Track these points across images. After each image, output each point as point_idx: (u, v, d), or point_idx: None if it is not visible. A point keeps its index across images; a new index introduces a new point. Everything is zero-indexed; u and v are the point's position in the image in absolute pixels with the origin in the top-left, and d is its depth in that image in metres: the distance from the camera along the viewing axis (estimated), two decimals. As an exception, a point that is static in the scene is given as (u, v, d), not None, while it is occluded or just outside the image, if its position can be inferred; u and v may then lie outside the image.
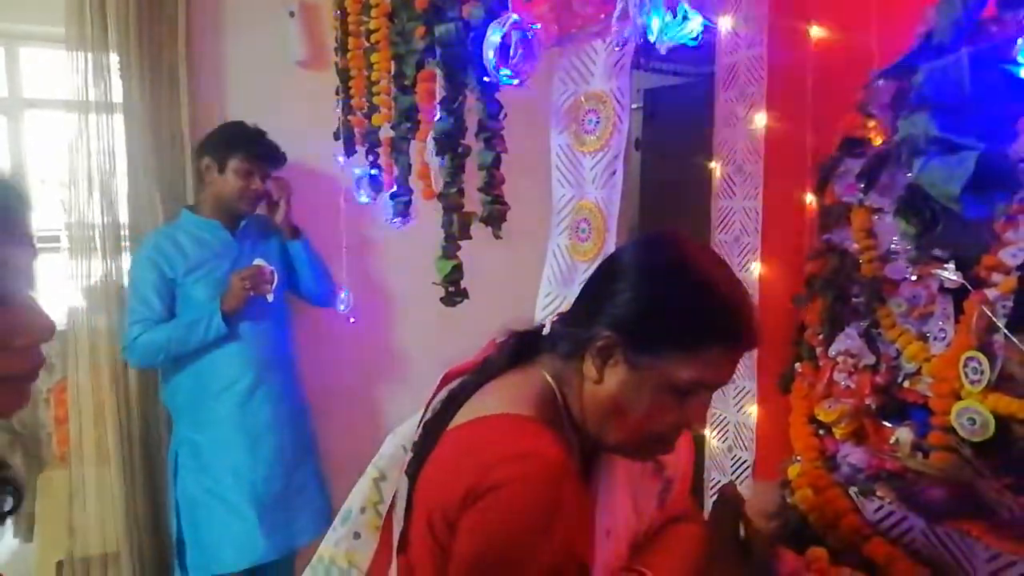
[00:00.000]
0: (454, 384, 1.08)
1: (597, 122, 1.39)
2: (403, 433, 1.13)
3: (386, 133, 1.92)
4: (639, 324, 0.92)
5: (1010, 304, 1.30)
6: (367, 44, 1.95)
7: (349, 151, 2.31)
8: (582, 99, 1.40)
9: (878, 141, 1.59)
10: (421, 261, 2.50)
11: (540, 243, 1.61)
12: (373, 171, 2.09)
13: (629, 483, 1.08)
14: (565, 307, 1.51)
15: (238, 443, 2.28)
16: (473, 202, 1.46)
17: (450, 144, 1.38)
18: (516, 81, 1.10)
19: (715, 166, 2.06)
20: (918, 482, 1.31)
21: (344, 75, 2.24)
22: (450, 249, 1.43)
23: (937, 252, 1.39)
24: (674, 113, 2.99)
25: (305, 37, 2.63)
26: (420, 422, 1.07)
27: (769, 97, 1.90)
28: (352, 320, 2.63)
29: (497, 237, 1.43)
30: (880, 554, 1.29)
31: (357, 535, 1.10)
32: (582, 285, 1.06)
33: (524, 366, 1.04)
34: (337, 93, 2.33)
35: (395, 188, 1.83)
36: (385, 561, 1.05)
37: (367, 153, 2.10)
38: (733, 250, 1.94)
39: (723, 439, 2.02)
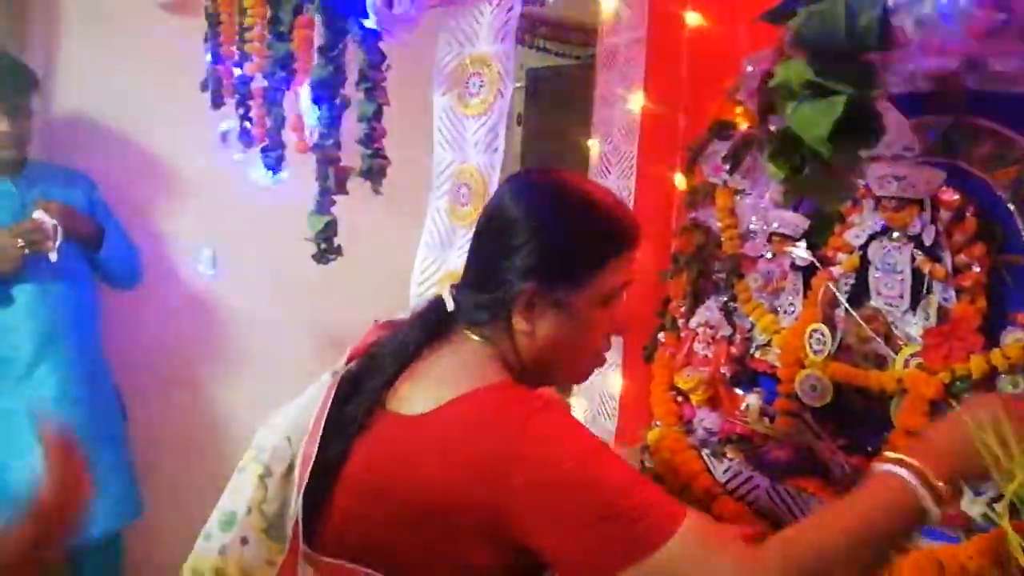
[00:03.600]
0: (357, 367, 1.04)
1: (481, 85, 1.38)
2: (283, 422, 1.04)
3: (258, 84, 1.82)
4: (551, 265, 0.95)
5: (851, 281, 1.42)
6: (240, -13, 1.84)
7: (217, 102, 2.18)
8: (467, 61, 1.39)
9: (745, 126, 1.68)
10: (292, 223, 2.44)
11: (418, 207, 1.59)
12: (244, 124, 1.98)
13: None
14: (444, 271, 1.50)
15: (16, 423, 2.00)
16: (350, 158, 1.41)
17: (328, 94, 1.33)
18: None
19: (593, 145, 2.11)
20: (764, 444, 1.41)
21: (213, 19, 2.10)
22: (324, 204, 1.38)
23: (792, 219, 1.49)
24: (555, 92, 3.03)
25: (170, -24, 2.44)
26: (322, 407, 1.00)
27: (646, 80, 1.97)
28: (213, 277, 2.45)
29: (377, 192, 1.39)
30: (728, 511, 1.38)
31: (245, 540, 1.00)
32: (469, 250, 1.04)
33: (446, 343, 1.01)
34: (205, 39, 2.18)
35: (266, 141, 1.75)
36: (292, 572, 0.98)
37: (237, 105, 1.98)
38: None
39: (588, 409, 2.08)
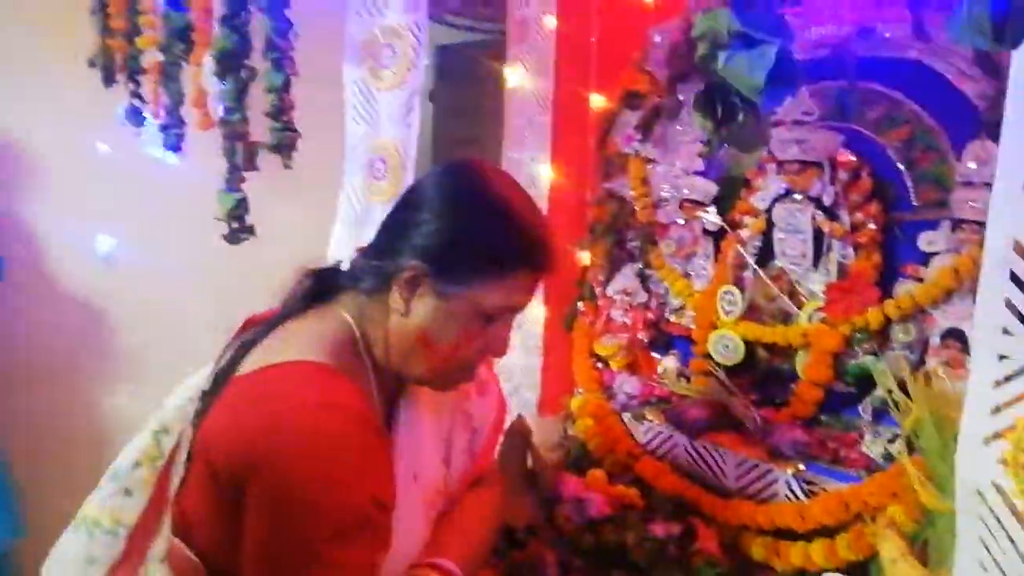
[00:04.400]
0: (248, 332, 1.01)
1: (393, 56, 1.35)
2: (194, 385, 1.03)
3: (152, 58, 1.73)
4: (446, 253, 0.92)
5: (758, 243, 1.48)
6: (129, -45, 1.73)
7: (109, 80, 2.06)
8: (377, 32, 1.36)
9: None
10: (193, 206, 2.32)
11: (331, 185, 1.55)
12: (135, 101, 1.87)
13: (436, 433, 1.08)
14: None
15: None
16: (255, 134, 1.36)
17: (233, 65, 1.27)
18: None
19: (507, 120, 2.11)
20: (681, 404, 1.46)
21: (101, -10, 1.97)
22: (233, 181, 1.33)
23: (702, 185, 1.54)
24: (467, 68, 3.00)
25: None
26: (212, 371, 0.99)
27: (558, 52, 1.98)
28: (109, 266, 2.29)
29: (287, 167, 1.35)
30: (648, 471, 1.42)
31: (128, 492, 0.98)
32: (384, 217, 1.03)
33: (322, 307, 0.99)
34: (93, 12, 2.05)
35: (164, 119, 1.66)
36: (154, 516, 0.95)
37: (128, 81, 1.87)
38: (522, 201, 2.01)
39: (509, 380, 2.10)
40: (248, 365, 0.93)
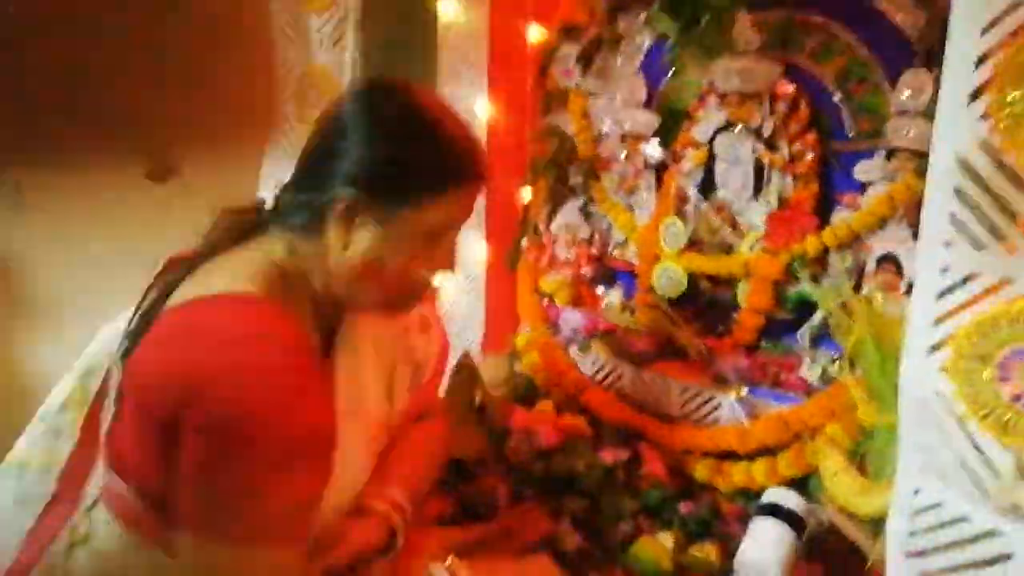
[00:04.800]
0: (170, 271, 0.96)
1: (323, -22, 1.28)
2: (117, 329, 0.98)
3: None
4: (381, 178, 0.87)
5: (700, 176, 1.49)
6: None
7: None
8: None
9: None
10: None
11: (263, 116, 1.47)
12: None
13: (378, 368, 1.05)
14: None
15: None
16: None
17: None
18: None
19: (440, 54, 2.04)
20: (627, 336, 1.48)
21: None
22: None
23: (644, 118, 1.53)
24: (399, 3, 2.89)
25: None
26: (136, 310, 0.94)
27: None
28: None
29: None
30: (595, 401, 1.45)
31: (57, 433, 0.97)
32: (303, 148, 0.97)
33: (248, 243, 0.94)
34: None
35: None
36: (87, 456, 0.92)
37: None
38: (460, 137, 1.96)
39: (452, 321, 2.09)
40: (174, 300, 0.89)
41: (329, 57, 1.27)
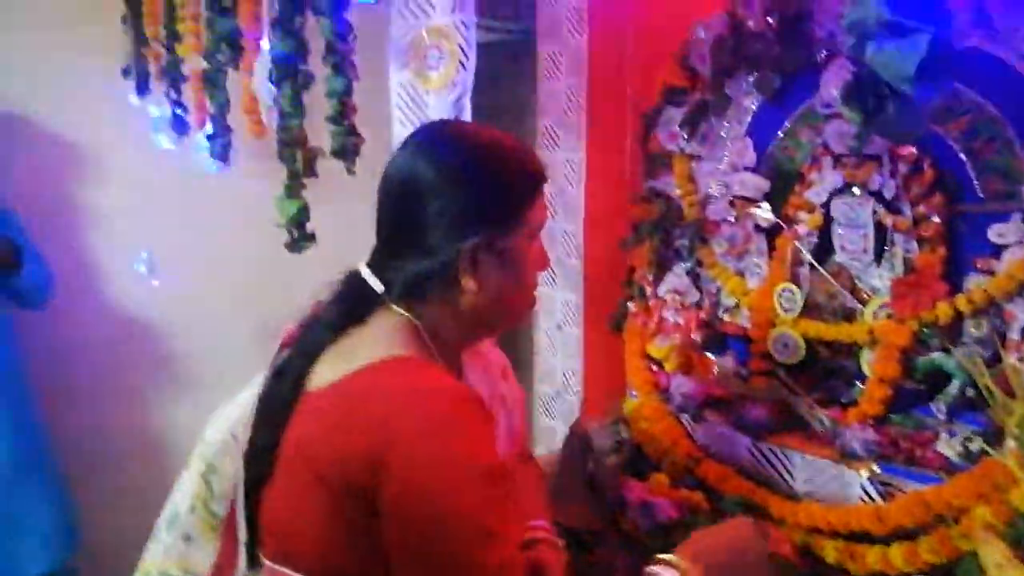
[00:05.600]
0: (288, 354, 0.98)
1: (440, 58, 1.33)
2: (228, 416, 1.02)
3: (192, 65, 1.70)
4: (485, 216, 0.91)
5: (815, 239, 1.45)
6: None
7: (143, 90, 2.04)
8: (424, 34, 1.33)
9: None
10: (235, 216, 2.29)
11: (373, 195, 1.52)
12: (177, 111, 1.85)
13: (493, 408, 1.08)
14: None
15: None
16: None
17: (289, 70, 1.25)
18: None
19: (537, 120, 2.08)
20: (742, 405, 1.43)
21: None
22: (295, 188, 1.31)
23: (753, 181, 1.50)
24: (492, 69, 2.98)
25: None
26: (262, 393, 0.96)
27: (590, 47, 1.94)
28: (156, 283, 2.27)
29: (351, 173, 1.32)
30: (712, 474, 1.40)
31: (188, 538, 0.99)
32: (378, 222, 0.96)
33: (370, 322, 0.95)
34: (124, 20, 2.03)
35: (209, 128, 1.64)
36: (229, 563, 0.93)
37: (168, 90, 1.85)
38: (558, 202, 1.98)
39: (551, 385, 2.08)
40: (322, 378, 0.90)
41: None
